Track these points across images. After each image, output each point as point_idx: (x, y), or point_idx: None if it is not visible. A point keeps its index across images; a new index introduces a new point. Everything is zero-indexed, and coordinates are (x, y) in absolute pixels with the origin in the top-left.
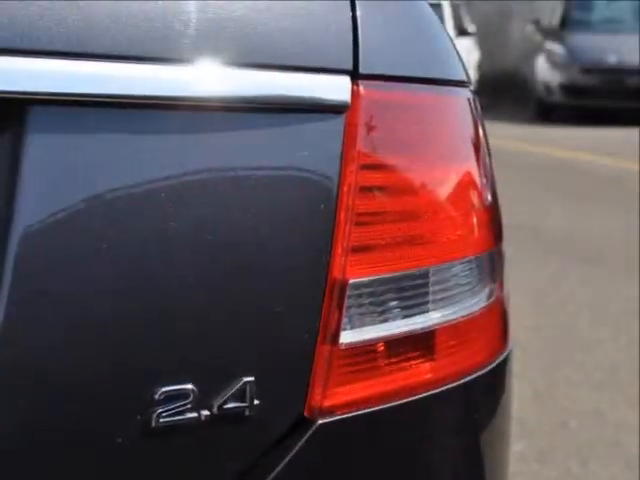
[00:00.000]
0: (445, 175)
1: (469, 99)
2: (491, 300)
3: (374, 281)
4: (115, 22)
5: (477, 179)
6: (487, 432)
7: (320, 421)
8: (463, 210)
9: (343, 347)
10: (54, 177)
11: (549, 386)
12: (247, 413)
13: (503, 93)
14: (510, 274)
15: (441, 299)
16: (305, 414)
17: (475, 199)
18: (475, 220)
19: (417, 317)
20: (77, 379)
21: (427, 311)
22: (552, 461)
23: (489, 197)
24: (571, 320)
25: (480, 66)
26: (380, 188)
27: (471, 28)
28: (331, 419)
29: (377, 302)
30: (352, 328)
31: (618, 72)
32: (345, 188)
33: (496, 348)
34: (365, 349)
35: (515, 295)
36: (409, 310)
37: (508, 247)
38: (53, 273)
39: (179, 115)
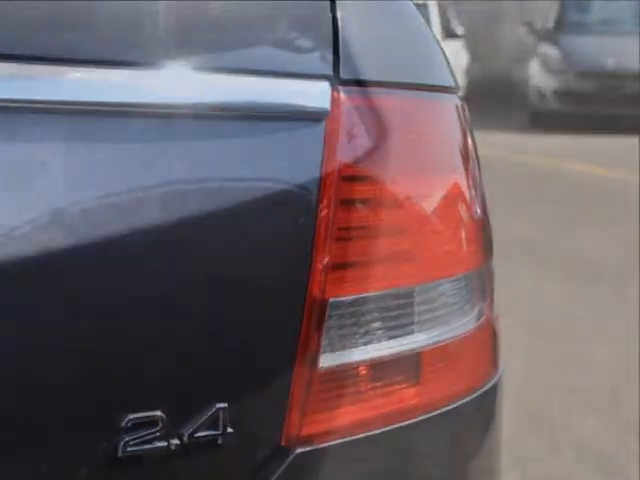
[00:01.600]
0: (431, 187)
1: (457, 106)
2: (481, 320)
3: (356, 300)
4: (76, 23)
5: (466, 191)
6: (476, 461)
7: (298, 450)
8: (451, 224)
9: (323, 371)
10: (5, 187)
11: (543, 411)
12: (220, 442)
13: (493, 99)
14: (501, 292)
15: (427, 320)
16: (282, 443)
17: (464, 212)
18: (464, 235)
19: (402, 339)
20: (39, 405)
21: (412, 332)
22: None
23: (478, 210)
24: (567, 340)
25: (469, 71)
26: (362, 200)
27: (459, 30)
28: (310, 448)
29: (359, 322)
30: (332, 350)
31: (617, 77)
32: (325, 201)
33: (486, 371)
34: (346, 373)
35: (507, 314)
36: (393, 331)
37: (499, 263)
38: (9, 293)
39: (146, 122)
